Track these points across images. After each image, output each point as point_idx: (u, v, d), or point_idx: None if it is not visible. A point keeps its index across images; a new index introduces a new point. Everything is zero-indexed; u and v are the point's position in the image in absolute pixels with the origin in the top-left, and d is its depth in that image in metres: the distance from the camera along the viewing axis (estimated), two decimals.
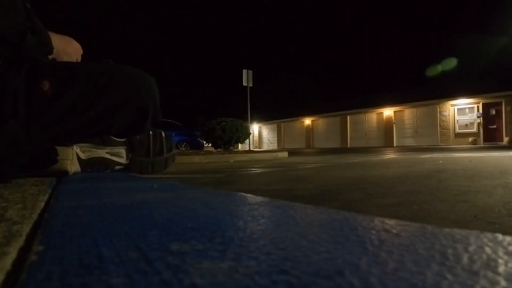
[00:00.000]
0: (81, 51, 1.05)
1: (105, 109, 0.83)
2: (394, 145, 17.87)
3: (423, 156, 6.06)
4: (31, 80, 0.76)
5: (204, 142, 10.73)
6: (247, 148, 13.22)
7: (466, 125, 15.73)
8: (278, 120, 25.48)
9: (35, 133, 0.78)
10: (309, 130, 23.34)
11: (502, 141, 14.26)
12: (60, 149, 1.01)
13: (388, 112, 18.78)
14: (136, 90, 0.89)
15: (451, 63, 21.61)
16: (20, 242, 0.28)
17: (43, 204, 0.49)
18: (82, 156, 1.13)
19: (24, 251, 0.26)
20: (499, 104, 14.72)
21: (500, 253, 0.23)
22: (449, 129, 16.22)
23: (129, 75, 0.89)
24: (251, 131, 11.18)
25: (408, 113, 18.15)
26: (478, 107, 15.33)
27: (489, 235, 0.27)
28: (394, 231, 0.29)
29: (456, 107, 16.12)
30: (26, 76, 0.76)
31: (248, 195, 0.53)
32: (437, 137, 16.56)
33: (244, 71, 10.99)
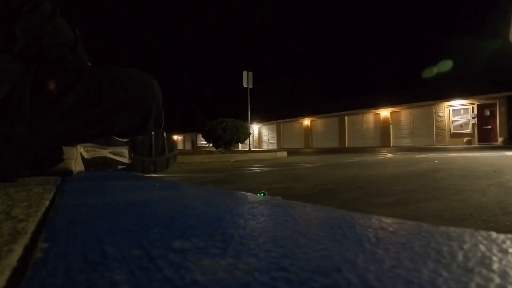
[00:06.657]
0: None
1: (108, 110, 0.84)
2: (391, 145, 17.91)
3: (419, 156, 6.08)
4: (37, 80, 0.77)
5: (205, 142, 10.71)
6: (247, 148, 13.22)
7: (461, 125, 15.79)
8: (278, 121, 25.43)
9: (40, 132, 0.78)
10: (308, 130, 23.33)
11: (496, 141, 14.33)
12: (64, 149, 1.01)
13: (385, 113, 18.81)
14: (139, 92, 0.89)
15: (447, 65, 21.70)
16: (25, 239, 0.28)
17: (48, 202, 0.49)
18: (86, 155, 1.13)
19: (29, 248, 0.26)
20: (494, 105, 14.79)
21: (494, 250, 0.23)
22: (444, 130, 16.27)
23: (132, 77, 0.90)
24: (251, 131, 11.17)
25: (404, 114, 18.19)
26: (473, 108, 15.39)
27: (483, 233, 0.27)
28: (390, 229, 0.29)
29: (451, 108, 16.17)
30: (32, 76, 0.76)
31: (248, 194, 0.53)
32: (433, 137, 16.61)
33: (245, 72, 10.99)
